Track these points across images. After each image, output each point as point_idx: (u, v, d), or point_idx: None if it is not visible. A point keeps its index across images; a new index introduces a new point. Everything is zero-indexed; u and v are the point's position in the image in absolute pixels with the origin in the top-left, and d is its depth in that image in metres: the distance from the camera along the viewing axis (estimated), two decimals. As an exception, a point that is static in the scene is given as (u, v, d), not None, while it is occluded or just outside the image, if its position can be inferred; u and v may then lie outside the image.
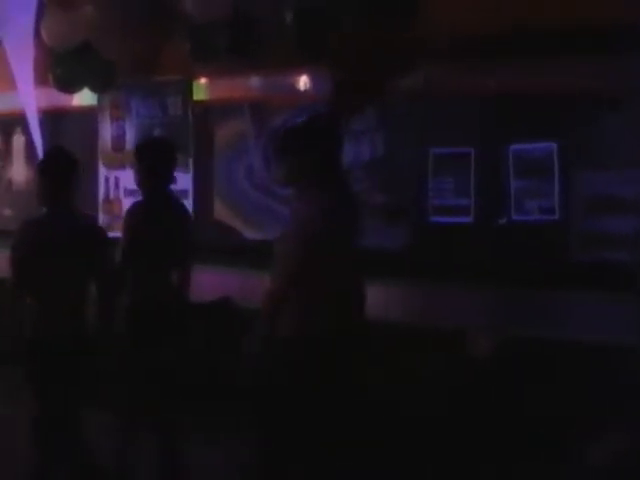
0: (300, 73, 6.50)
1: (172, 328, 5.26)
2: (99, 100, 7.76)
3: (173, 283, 5.34)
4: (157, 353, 5.19)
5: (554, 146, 5.52)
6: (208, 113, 7.24)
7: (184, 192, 7.34)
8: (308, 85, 6.55)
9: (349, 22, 5.45)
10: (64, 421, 4.83)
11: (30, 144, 8.04)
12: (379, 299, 5.33)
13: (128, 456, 5.24)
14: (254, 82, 6.86)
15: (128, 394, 5.32)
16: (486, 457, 5.10)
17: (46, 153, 5.61)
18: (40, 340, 4.78)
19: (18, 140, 8.53)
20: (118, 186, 7.82)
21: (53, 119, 7.99)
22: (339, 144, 4.59)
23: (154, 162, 5.21)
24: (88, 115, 7.85)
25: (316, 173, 4.38)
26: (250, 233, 7.02)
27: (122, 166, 7.75)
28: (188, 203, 7.32)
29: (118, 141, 7.80)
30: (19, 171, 8.65)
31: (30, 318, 4.83)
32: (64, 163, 4.97)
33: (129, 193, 7.67)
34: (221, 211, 7.23)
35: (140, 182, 5.34)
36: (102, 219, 7.60)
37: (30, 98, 7.69)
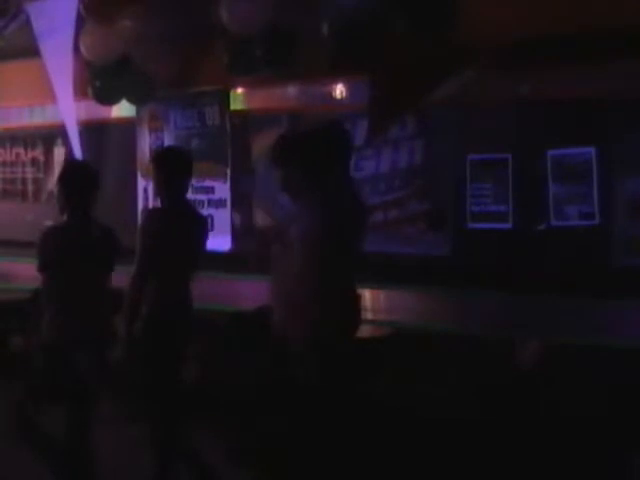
0: (337, 83, 6.54)
1: (190, 336, 5.28)
2: (138, 112, 7.83)
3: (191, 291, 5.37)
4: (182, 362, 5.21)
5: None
6: (246, 123, 7.28)
7: (222, 201, 7.42)
8: (345, 94, 6.58)
9: (386, 32, 5.47)
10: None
11: (70, 156, 8.12)
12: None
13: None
14: (291, 92, 6.91)
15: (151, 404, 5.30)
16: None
17: (66, 165, 5.70)
18: (58, 345, 4.93)
19: (59, 152, 8.63)
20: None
21: (92, 131, 8.07)
22: (337, 152, 4.46)
23: (171, 171, 5.28)
24: (127, 127, 7.93)
25: (313, 182, 4.34)
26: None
27: (160, 177, 7.81)
28: (226, 212, 7.40)
29: (157, 152, 7.86)
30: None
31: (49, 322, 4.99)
32: (82, 175, 5.12)
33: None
34: (260, 220, 7.26)
35: (158, 191, 5.40)
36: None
37: (70, 110, 7.77)
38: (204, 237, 5.42)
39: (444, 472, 5.16)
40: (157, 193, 5.38)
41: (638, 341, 5.01)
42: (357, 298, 4.60)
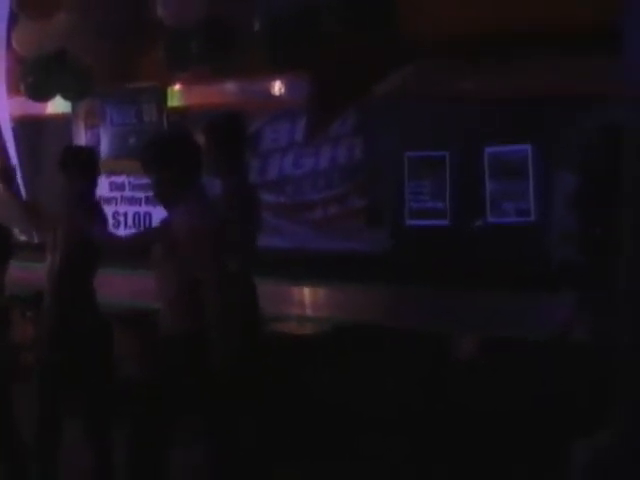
0: (276, 78, 6.52)
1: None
2: (73, 108, 7.72)
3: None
4: None
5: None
6: (184, 120, 7.23)
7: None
8: (284, 90, 6.57)
9: (324, 27, 5.47)
10: None
11: (3, 152, 7.98)
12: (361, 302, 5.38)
13: None
14: (229, 88, 6.86)
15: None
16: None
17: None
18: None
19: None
20: (93, 193, 7.77)
21: (27, 127, 7.95)
22: (195, 157, 4.47)
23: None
24: (62, 123, 7.81)
25: (178, 188, 4.35)
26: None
27: (97, 174, 7.72)
28: (164, 210, 7.32)
29: (93, 149, 7.77)
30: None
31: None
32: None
33: (104, 201, 7.63)
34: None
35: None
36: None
37: (3, 107, 7.64)
38: None
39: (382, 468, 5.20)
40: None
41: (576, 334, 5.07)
42: (247, 294, 4.78)
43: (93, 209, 5.19)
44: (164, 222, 4.47)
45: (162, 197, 4.46)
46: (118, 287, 6.71)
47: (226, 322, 4.17)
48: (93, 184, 5.20)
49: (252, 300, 5.00)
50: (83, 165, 5.14)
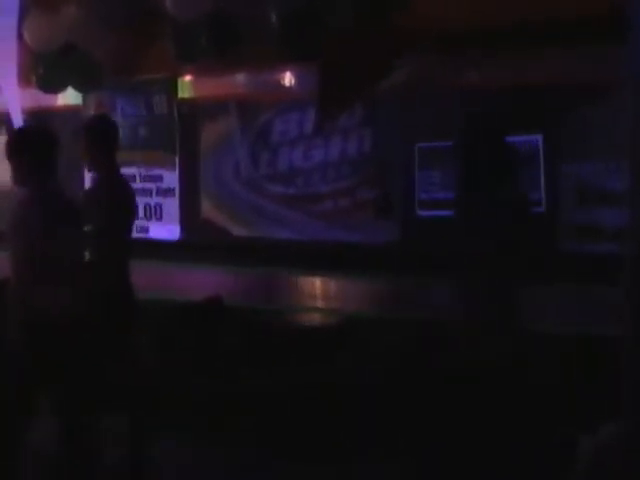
0: (285, 70, 6.52)
1: None
2: (84, 100, 7.75)
3: None
4: None
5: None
6: (194, 111, 7.24)
7: (171, 190, 7.37)
8: (293, 82, 6.57)
9: (333, 19, 5.46)
10: None
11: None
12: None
13: None
14: (239, 79, 6.87)
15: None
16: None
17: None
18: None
19: (1, 141, 8.48)
20: (104, 185, 7.79)
21: (38, 119, 7.95)
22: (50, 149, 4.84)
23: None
24: (73, 115, 7.82)
25: (34, 174, 4.69)
26: (238, 230, 7.03)
27: (108, 165, 7.75)
28: (175, 201, 7.36)
29: (103, 140, 7.78)
30: (2, 171, 8.61)
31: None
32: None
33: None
34: (208, 209, 7.23)
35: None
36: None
37: (15, 99, 7.65)
38: None
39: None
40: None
41: (586, 325, 5.06)
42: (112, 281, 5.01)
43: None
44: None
45: (15, 181, 4.83)
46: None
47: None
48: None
49: (118, 287, 5.19)
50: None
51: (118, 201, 5.35)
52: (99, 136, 5.40)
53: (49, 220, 4.56)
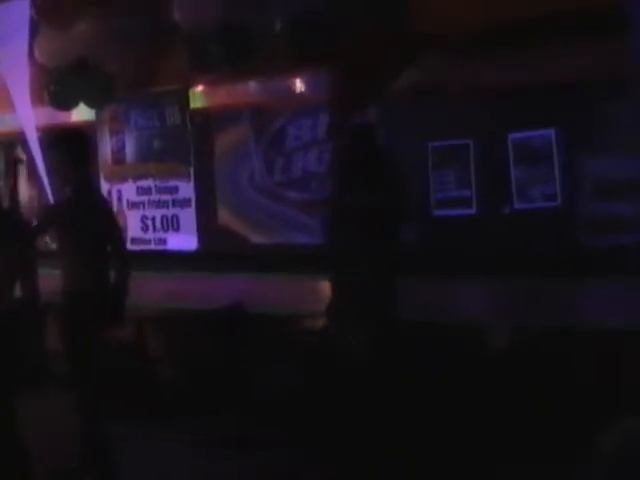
0: (297, 76, 6.53)
1: None
2: (97, 115, 7.79)
3: None
4: None
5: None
6: (207, 121, 7.27)
7: (187, 201, 7.41)
8: (305, 88, 6.58)
9: (344, 24, 5.49)
10: None
11: (31, 163, 8.07)
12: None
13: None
14: (252, 88, 6.89)
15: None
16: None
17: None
18: None
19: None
20: (121, 199, 7.85)
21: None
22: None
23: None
24: (87, 130, 7.86)
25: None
26: (257, 238, 7.06)
27: (124, 179, 7.80)
28: (191, 212, 7.39)
29: (118, 154, 7.84)
30: (21, 190, 8.68)
31: None
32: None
33: (132, 205, 7.73)
34: (225, 218, 7.26)
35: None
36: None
37: (29, 117, 7.71)
38: None
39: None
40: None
41: (609, 320, 5.05)
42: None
43: None
44: None
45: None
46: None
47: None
48: None
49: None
50: None
51: (84, 216, 5.39)
52: (67, 151, 5.46)
53: None
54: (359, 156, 5.20)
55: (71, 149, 5.48)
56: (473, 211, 5.94)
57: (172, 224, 7.49)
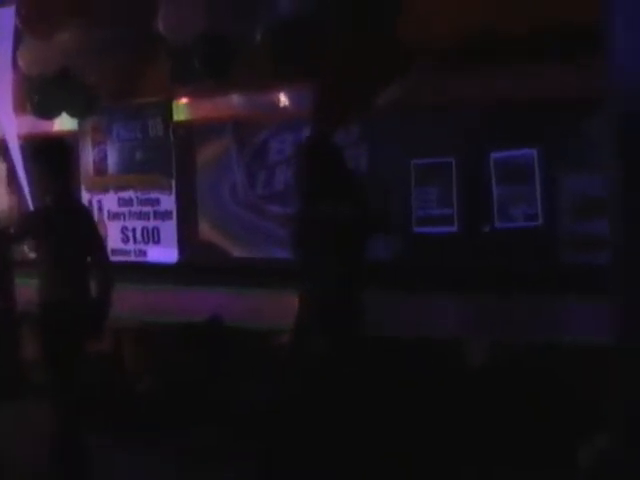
0: (280, 89, 6.54)
1: None
2: (80, 125, 7.76)
3: None
4: None
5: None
6: (189, 133, 7.25)
7: (168, 213, 7.38)
8: (288, 101, 6.58)
9: (327, 35, 5.49)
10: None
11: (11, 171, 8.03)
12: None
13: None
14: (235, 100, 6.88)
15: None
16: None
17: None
18: None
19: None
20: (101, 209, 7.82)
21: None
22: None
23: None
24: (70, 140, 7.82)
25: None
26: (238, 251, 7.03)
27: (105, 190, 7.78)
28: (172, 224, 7.36)
29: (100, 165, 7.81)
30: (0, 198, 8.64)
31: None
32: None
33: (113, 216, 7.69)
34: (206, 231, 7.23)
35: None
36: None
37: (11, 126, 7.68)
38: None
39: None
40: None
41: (588, 337, 5.06)
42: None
43: None
44: None
45: None
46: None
47: None
48: None
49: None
50: None
51: (64, 226, 5.40)
52: (47, 161, 5.49)
53: None
54: (311, 169, 5.25)
55: (52, 159, 5.49)
56: (455, 229, 5.96)
57: (153, 236, 7.46)
